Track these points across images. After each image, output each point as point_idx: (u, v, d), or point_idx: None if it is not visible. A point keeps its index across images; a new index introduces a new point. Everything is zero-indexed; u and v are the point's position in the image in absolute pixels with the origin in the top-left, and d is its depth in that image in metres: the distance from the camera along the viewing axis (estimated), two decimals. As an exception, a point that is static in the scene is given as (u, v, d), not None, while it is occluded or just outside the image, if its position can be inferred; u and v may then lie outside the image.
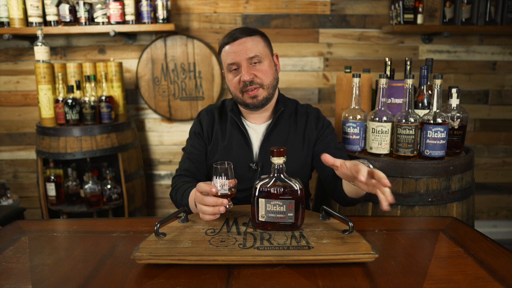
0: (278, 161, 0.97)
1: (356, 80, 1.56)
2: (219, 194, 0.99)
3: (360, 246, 0.89)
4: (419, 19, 2.39)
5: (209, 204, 0.99)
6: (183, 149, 1.45)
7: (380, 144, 1.56)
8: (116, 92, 2.38)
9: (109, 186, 2.36)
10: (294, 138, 1.37)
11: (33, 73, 2.61)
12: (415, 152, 1.53)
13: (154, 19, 2.38)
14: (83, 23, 2.34)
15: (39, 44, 2.20)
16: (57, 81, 2.27)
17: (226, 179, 0.99)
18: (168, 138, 2.76)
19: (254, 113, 1.38)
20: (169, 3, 2.38)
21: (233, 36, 1.28)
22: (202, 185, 1.00)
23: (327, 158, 0.94)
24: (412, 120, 1.48)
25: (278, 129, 1.37)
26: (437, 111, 1.49)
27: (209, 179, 1.39)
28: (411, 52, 2.63)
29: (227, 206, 1.00)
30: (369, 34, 2.61)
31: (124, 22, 2.36)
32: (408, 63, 1.70)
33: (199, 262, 0.87)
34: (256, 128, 1.39)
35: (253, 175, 1.33)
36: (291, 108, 1.42)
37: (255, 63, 1.27)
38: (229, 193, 1.00)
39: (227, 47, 1.29)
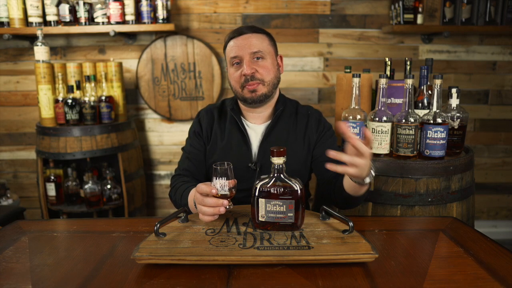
0: (278, 161, 0.97)
1: (356, 80, 1.56)
2: (219, 195, 0.99)
3: (360, 246, 0.89)
4: (419, 19, 2.39)
5: (209, 205, 0.99)
6: (183, 148, 1.45)
7: (380, 144, 1.56)
8: (116, 92, 2.38)
9: (109, 186, 2.36)
10: (294, 139, 1.36)
11: (33, 73, 2.61)
12: (415, 152, 1.53)
13: (154, 19, 2.38)
14: (83, 23, 2.34)
15: (39, 44, 2.20)
16: (57, 81, 2.27)
17: (226, 179, 0.99)
18: (168, 138, 2.76)
19: (254, 112, 1.38)
20: (169, 3, 2.38)
21: (238, 31, 1.31)
22: (202, 186, 1.00)
23: (331, 153, 0.96)
24: (412, 120, 1.48)
25: (278, 129, 1.36)
26: (437, 111, 1.49)
27: (208, 178, 1.39)
28: (411, 52, 2.63)
29: (227, 207, 1.00)
30: (369, 34, 2.61)
31: (124, 22, 2.36)
32: (408, 63, 1.71)
33: (199, 262, 0.87)
34: (255, 128, 1.38)
35: (252, 175, 1.33)
36: (292, 108, 1.42)
37: (258, 58, 1.28)
38: (229, 193, 1.00)
39: (231, 42, 1.31)
